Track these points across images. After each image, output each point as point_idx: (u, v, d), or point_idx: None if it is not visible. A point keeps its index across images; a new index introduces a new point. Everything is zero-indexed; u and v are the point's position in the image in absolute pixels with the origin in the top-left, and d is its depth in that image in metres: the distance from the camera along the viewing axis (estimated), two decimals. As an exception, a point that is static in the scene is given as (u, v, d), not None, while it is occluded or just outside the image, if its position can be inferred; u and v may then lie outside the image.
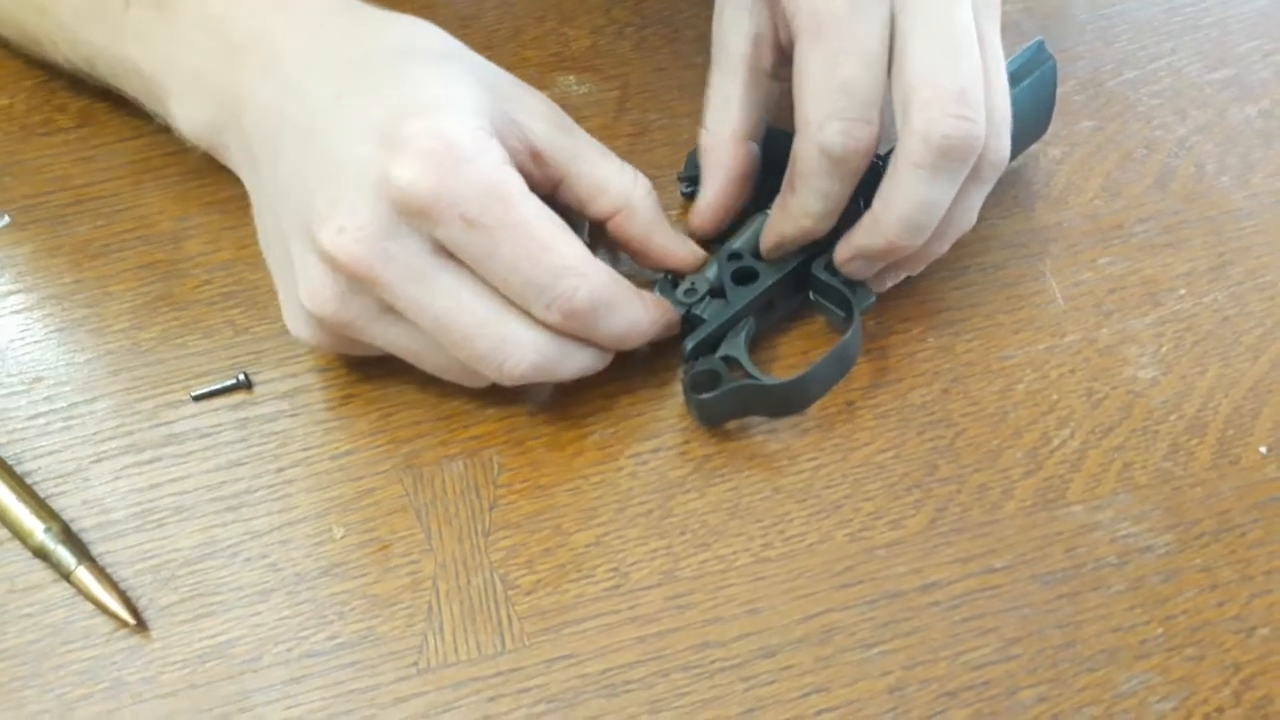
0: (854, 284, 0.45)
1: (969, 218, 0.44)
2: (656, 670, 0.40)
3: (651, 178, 0.49)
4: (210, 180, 0.50)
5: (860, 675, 0.40)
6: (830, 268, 0.45)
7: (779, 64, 0.45)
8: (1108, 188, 0.51)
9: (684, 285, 0.45)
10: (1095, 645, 0.41)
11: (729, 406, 0.43)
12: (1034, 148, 0.51)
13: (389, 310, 0.40)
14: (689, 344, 0.44)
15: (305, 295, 0.39)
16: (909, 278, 0.46)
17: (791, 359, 0.46)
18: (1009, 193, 0.50)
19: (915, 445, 0.45)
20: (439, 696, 0.40)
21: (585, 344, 0.42)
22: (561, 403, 0.45)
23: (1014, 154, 0.43)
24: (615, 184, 0.43)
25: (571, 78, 0.53)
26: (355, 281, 0.39)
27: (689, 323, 0.44)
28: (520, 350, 0.40)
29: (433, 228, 0.38)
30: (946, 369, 0.46)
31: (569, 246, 0.39)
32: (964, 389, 0.46)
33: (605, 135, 0.50)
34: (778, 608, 0.41)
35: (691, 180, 0.49)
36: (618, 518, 0.43)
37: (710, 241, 0.47)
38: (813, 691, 0.40)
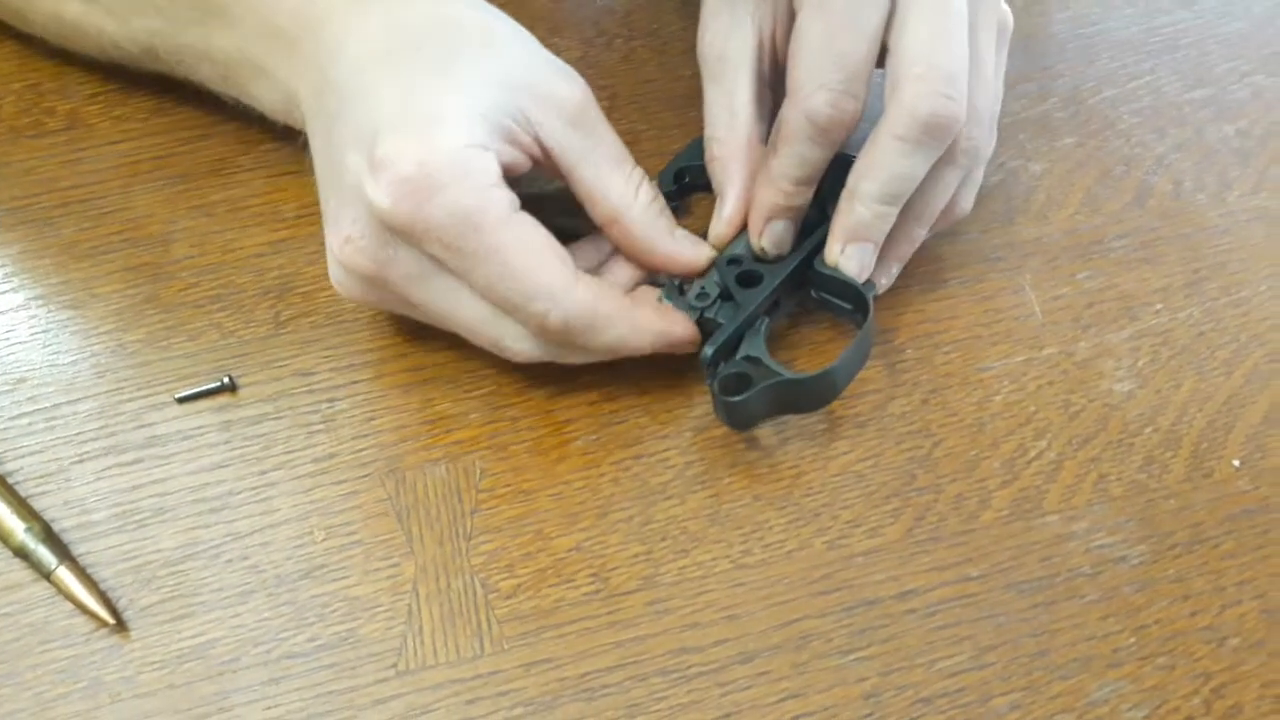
0: None
1: (943, 199, 0.45)
2: (634, 675, 0.41)
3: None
4: (197, 184, 0.50)
5: (836, 681, 0.41)
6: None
7: (774, 75, 0.46)
8: (1087, 203, 0.52)
9: (694, 290, 0.45)
10: (1069, 654, 0.41)
11: (760, 407, 0.43)
12: (1015, 163, 0.52)
13: (399, 297, 0.42)
14: (709, 350, 0.43)
15: (333, 279, 0.43)
16: (890, 288, 0.47)
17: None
18: (989, 207, 0.51)
19: (894, 455, 0.45)
20: (418, 699, 0.40)
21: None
22: (544, 409, 0.45)
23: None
24: (613, 194, 0.43)
25: (559, 88, 0.54)
26: (365, 279, 0.42)
27: (703, 328, 0.44)
28: (518, 344, 0.42)
29: (417, 245, 0.40)
30: (925, 380, 0.47)
31: (542, 272, 0.40)
32: (942, 400, 0.46)
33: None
34: (755, 614, 0.42)
35: (670, 198, 0.48)
36: (599, 523, 0.43)
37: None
38: (789, 697, 0.40)
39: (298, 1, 0.43)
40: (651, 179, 0.45)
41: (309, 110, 0.43)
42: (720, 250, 0.46)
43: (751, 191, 0.45)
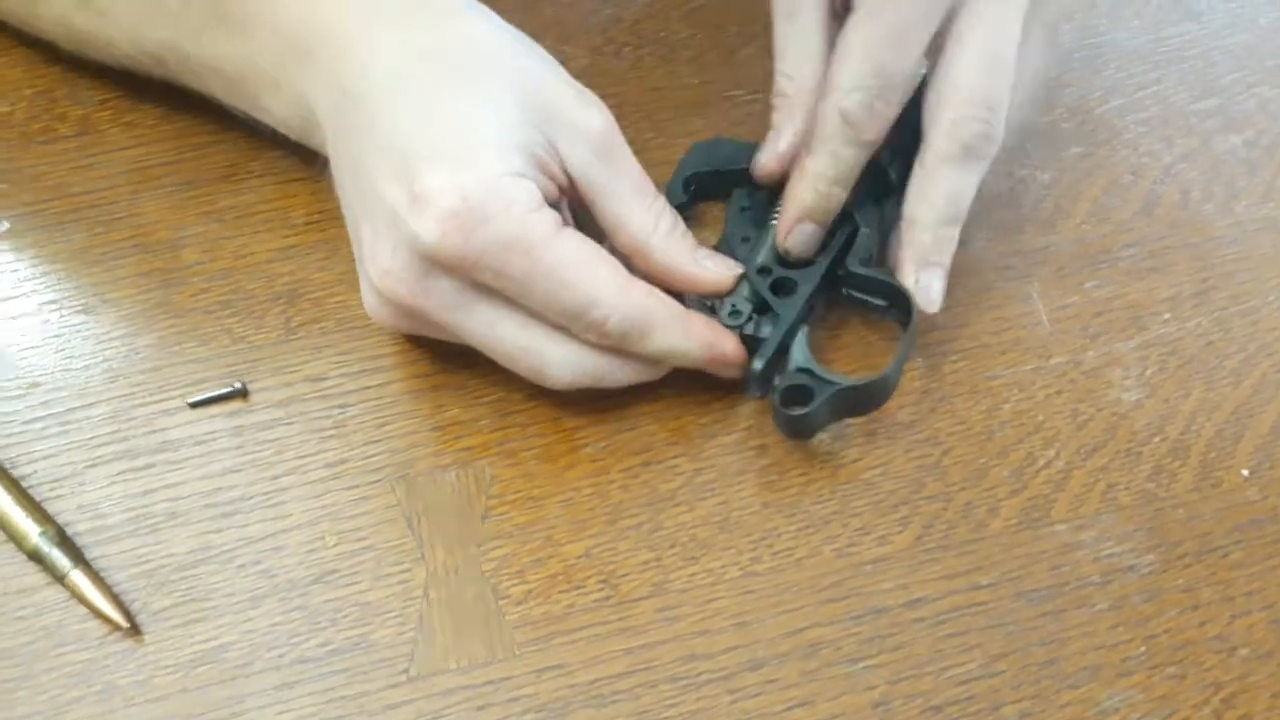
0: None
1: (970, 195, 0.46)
2: (644, 681, 0.41)
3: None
4: (208, 190, 0.50)
5: (845, 689, 0.41)
6: (867, 262, 0.46)
7: (846, 10, 0.46)
8: (1095, 213, 0.52)
9: (725, 309, 0.44)
10: (1078, 662, 0.41)
11: (821, 416, 0.43)
12: (1023, 172, 0.52)
13: (437, 325, 0.42)
14: (758, 365, 0.43)
15: (367, 307, 0.43)
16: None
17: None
18: (997, 216, 0.51)
19: (903, 463, 0.45)
20: (429, 704, 0.40)
21: (630, 359, 0.43)
22: (554, 416, 0.46)
23: None
24: (635, 226, 0.43)
25: (569, 95, 0.54)
26: (403, 310, 0.42)
27: (746, 345, 0.44)
28: (560, 370, 0.42)
29: (465, 275, 0.40)
30: (934, 388, 0.47)
31: (597, 279, 0.41)
32: (951, 408, 0.47)
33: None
34: (765, 621, 0.42)
35: (680, 209, 0.48)
36: (608, 530, 0.43)
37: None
38: (798, 705, 0.40)
39: (316, 14, 0.43)
40: (659, 187, 0.45)
41: (330, 128, 0.43)
42: (766, 180, 0.46)
43: (806, 134, 0.45)
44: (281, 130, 0.47)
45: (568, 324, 0.41)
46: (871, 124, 0.43)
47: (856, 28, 0.43)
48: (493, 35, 0.43)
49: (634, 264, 0.44)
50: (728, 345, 0.44)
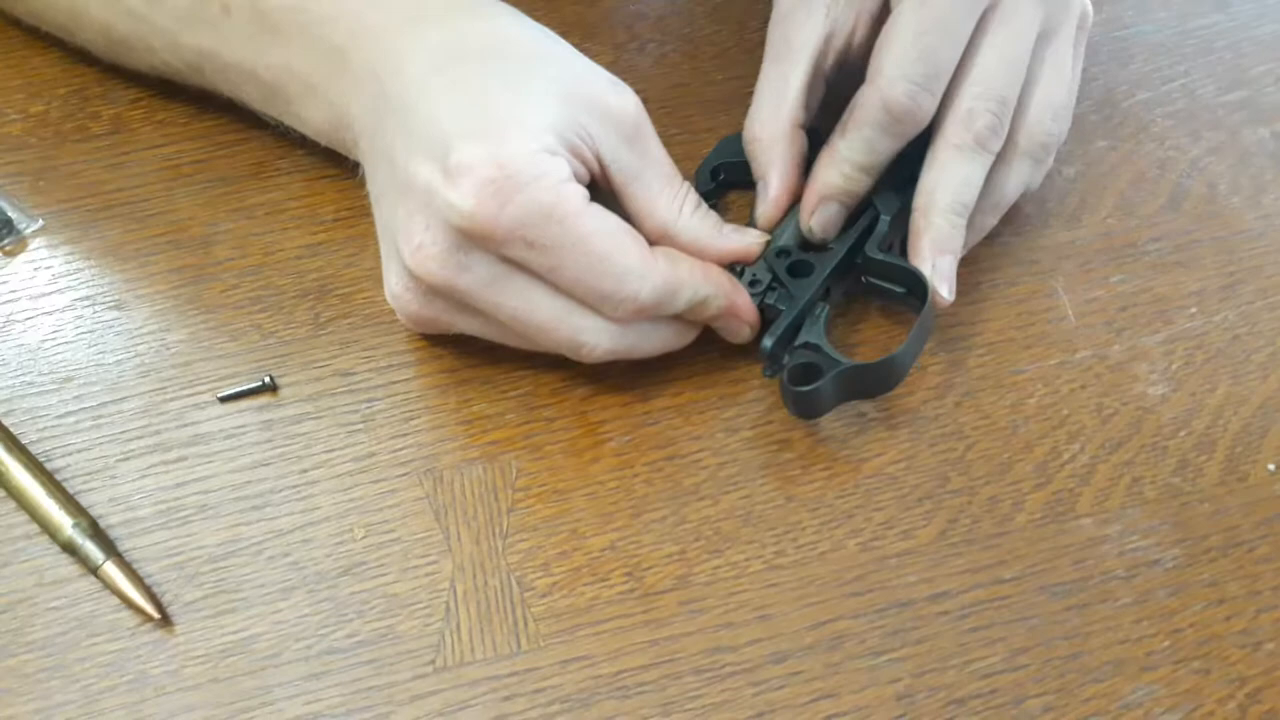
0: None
1: (1017, 190, 0.48)
2: (669, 673, 0.41)
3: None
4: (238, 187, 0.51)
5: (869, 682, 0.41)
6: (884, 248, 0.46)
7: (835, 70, 0.47)
8: (1121, 206, 0.52)
9: (745, 278, 0.45)
10: (1102, 656, 0.41)
11: (828, 396, 0.44)
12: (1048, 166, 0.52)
13: (468, 307, 0.43)
14: (768, 341, 0.44)
15: (391, 295, 0.44)
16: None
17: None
18: (1022, 210, 0.51)
19: (927, 457, 0.45)
20: (455, 695, 0.40)
21: (660, 326, 0.44)
22: (579, 411, 0.46)
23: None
24: (662, 209, 0.44)
25: (593, 92, 0.54)
26: (434, 289, 0.42)
27: (762, 315, 0.45)
28: (595, 338, 0.43)
29: (497, 248, 0.41)
30: (958, 382, 0.47)
31: (628, 252, 0.42)
32: (975, 402, 0.46)
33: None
34: (789, 614, 0.42)
35: (706, 197, 0.49)
36: (633, 523, 0.44)
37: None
38: (822, 697, 0.41)
39: (351, 19, 0.44)
40: (688, 179, 0.45)
41: (364, 128, 0.44)
42: (769, 231, 0.46)
43: (795, 174, 0.46)
44: (312, 136, 0.48)
45: (598, 302, 0.42)
46: (912, 115, 0.44)
47: (903, 18, 0.44)
48: (525, 31, 0.44)
49: (662, 246, 0.44)
50: (741, 296, 0.44)
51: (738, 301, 0.44)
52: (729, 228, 0.45)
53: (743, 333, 0.45)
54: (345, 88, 0.44)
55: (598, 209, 0.42)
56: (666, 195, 0.44)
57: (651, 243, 0.44)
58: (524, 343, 0.44)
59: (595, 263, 0.41)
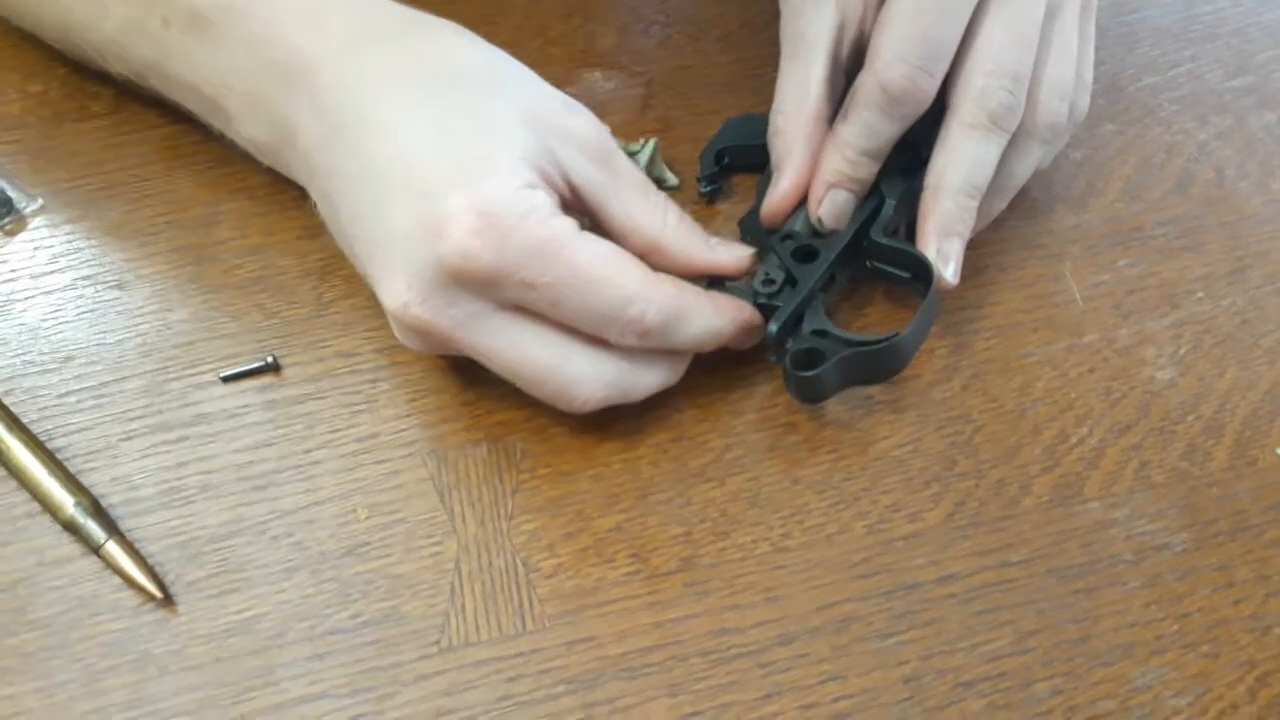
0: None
1: (1026, 173, 0.47)
2: (675, 655, 0.41)
3: (675, 173, 0.50)
4: (240, 167, 0.50)
5: (876, 664, 0.41)
6: (889, 232, 0.46)
7: (852, 59, 0.47)
8: (1128, 191, 0.51)
9: (760, 277, 0.45)
10: (1111, 640, 0.41)
11: (832, 380, 0.43)
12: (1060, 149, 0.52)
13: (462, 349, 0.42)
14: (773, 327, 0.43)
15: (396, 333, 0.42)
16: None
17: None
18: (1029, 194, 0.51)
19: (934, 440, 0.45)
20: (460, 675, 0.40)
21: (654, 362, 0.43)
22: (584, 391, 0.46)
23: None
24: (645, 226, 0.43)
25: (598, 74, 0.54)
26: (424, 336, 0.41)
27: (762, 311, 0.44)
28: (588, 388, 0.42)
29: (496, 293, 0.40)
30: (966, 366, 0.47)
31: (628, 274, 0.41)
32: (983, 386, 0.46)
33: (629, 131, 0.51)
34: (795, 596, 0.42)
35: (711, 179, 0.50)
36: (638, 505, 0.43)
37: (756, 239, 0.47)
38: (829, 679, 0.40)
39: (297, 36, 0.43)
40: (684, 164, 0.45)
41: (320, 163, 0.42)
42: (777, 225, 0.46)
43: (810, 169, 0.46)
44: (252, 152, 0.47)
45: (603, 328, 0.41)
46: (911, 97, 0.43)
47: (901, 1, 0.44)
48: (478, 53, 0.43)
49: (651, 261, 0.43)
50: (747, 312, 0.44)
51: (748, 319, 0.44)
52: (716, 240, 0.45)
53: (753, 339, 0.45)
54: (292, 105, 0.43)
55: (590, 236, 0.41)
56: (646, 207, 0.43)
57: (642, 257, 0.43)
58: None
59: (598, 290, 0.40)
